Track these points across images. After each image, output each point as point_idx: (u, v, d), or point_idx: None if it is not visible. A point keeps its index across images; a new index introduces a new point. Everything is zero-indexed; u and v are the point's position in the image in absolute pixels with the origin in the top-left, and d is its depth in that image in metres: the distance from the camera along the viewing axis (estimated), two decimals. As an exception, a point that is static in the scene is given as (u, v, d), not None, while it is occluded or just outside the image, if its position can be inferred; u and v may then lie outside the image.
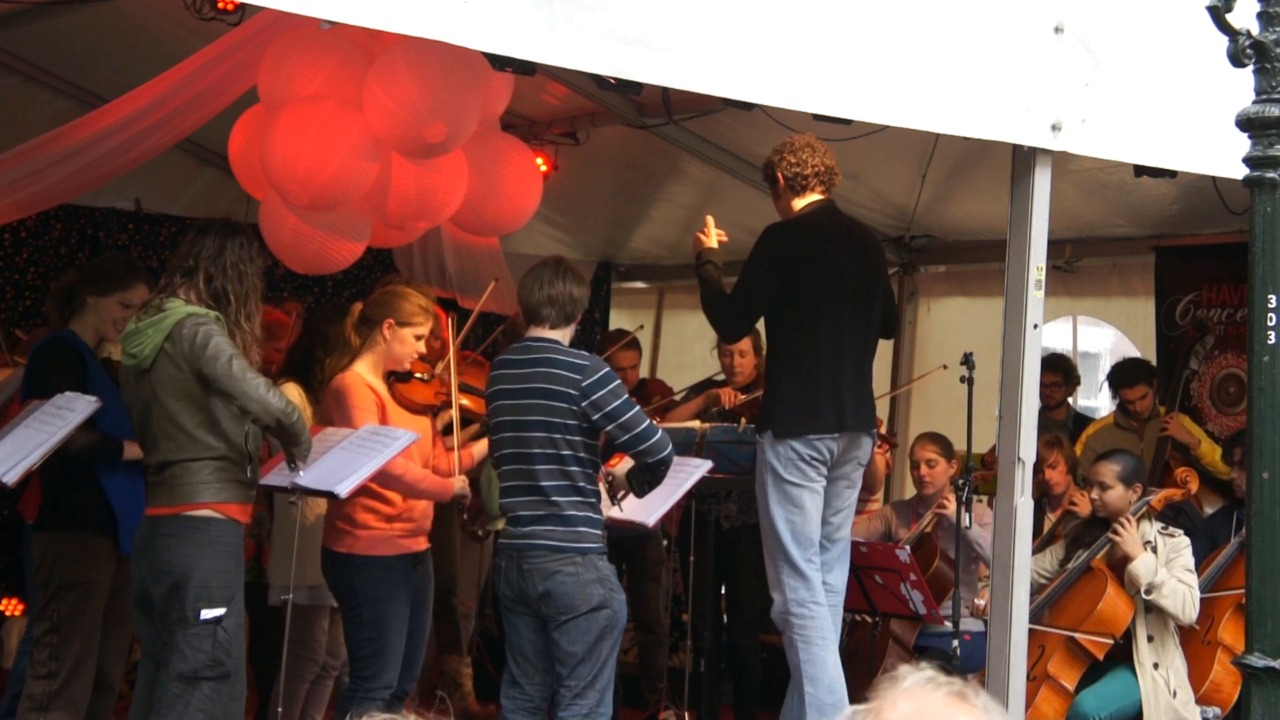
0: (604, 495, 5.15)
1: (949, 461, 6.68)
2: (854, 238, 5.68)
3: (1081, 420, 7.95)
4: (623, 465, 5.18)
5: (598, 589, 4.94)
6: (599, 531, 5.03)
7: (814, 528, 5.38)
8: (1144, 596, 5.71)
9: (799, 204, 5.55)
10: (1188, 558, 5.87)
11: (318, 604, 5.80)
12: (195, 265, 4.71)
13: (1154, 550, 5.86)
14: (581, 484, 4.99)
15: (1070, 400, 7.99)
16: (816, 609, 5.34)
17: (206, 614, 4.55)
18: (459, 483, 5.47)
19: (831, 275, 5.45)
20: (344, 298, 8.61)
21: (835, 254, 5.49)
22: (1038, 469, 6.86)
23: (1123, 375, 7.51)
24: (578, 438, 4.96)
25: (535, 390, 4.99)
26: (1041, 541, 6.24)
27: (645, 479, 5.09)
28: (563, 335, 5.11)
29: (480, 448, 5.60)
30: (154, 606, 4.65)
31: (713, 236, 5.77)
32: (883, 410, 7.74)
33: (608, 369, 5.06)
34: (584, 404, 4.91)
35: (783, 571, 5.36)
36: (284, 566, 5.66)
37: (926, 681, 1.88)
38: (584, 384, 4.93)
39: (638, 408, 5.03)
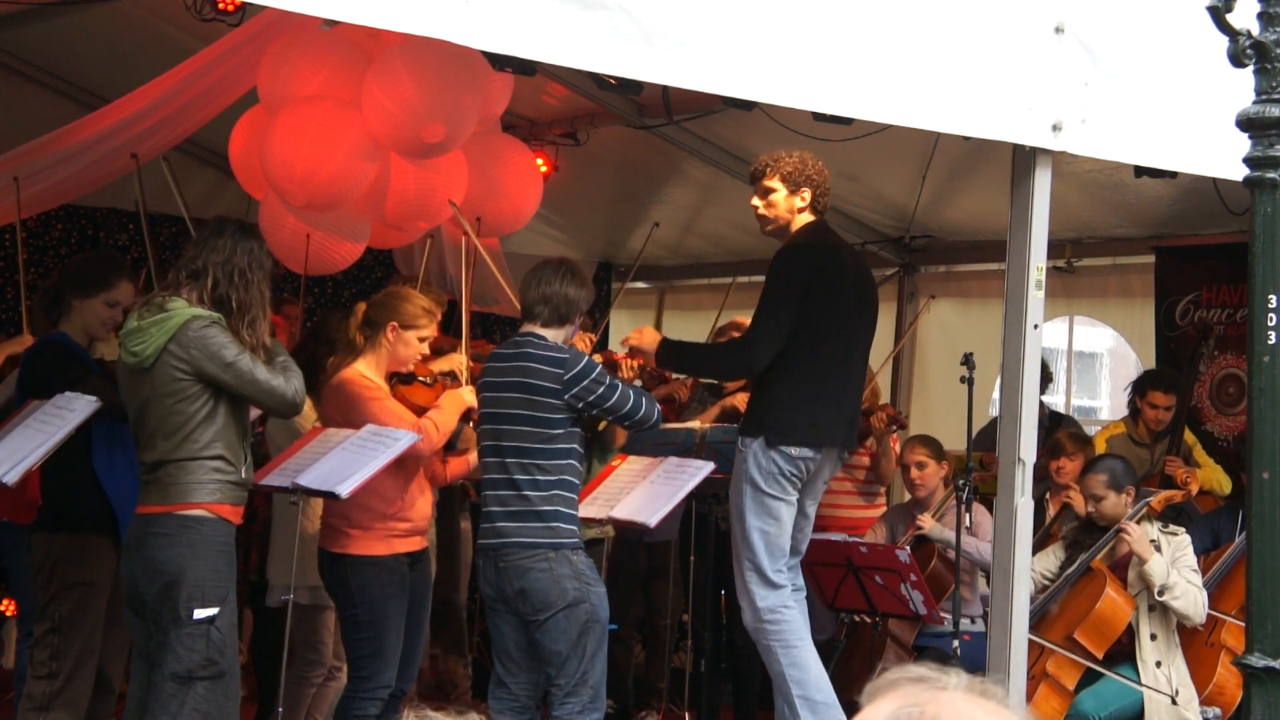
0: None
1: (939, 463, 6.68)
2: (853, 253, 5.70)
3: (1057, 418, 7.83)
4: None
5: (572, 583, 4.93)
6: (574, 526, 5.03)
7: (786, 539, 5.35)
8: (1157, 598, 5.71)
9: (804, 220, 5.38)
10: (1191, 557, 5.88)
11: (319, 604, 5.80)
12: (204, 268, 4.70)
13: (1159, 550, 5.86)
14: (558, 477, 4.99)
15: (1044, 398, 7.90)
16: (788, 612, 5.31)
17: (200, 614, 4.55)
18: (467, 394, 5.46)
19: (845, 294, 5.36)
20: (344, 298, 8.62)
21: (846, 272, 5.41)
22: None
23: (1157, 379, 7.33)
24: (559, 430, 4.97)
25: (515, 384, 5.01)
26: (1037, 541, 6.21)
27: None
28: (554, 334, 5.10)
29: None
30: (146, 606, 4.65)
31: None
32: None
33: (587, 358, 5.08)
34: (567, 396, 4.95)
35: (751, 580, 5.29)
36: (284, 567, 5.67)
37: (980, 694, 1.83)
38: (565, 377, 4.96)
39: (619, 386, 5.05)
